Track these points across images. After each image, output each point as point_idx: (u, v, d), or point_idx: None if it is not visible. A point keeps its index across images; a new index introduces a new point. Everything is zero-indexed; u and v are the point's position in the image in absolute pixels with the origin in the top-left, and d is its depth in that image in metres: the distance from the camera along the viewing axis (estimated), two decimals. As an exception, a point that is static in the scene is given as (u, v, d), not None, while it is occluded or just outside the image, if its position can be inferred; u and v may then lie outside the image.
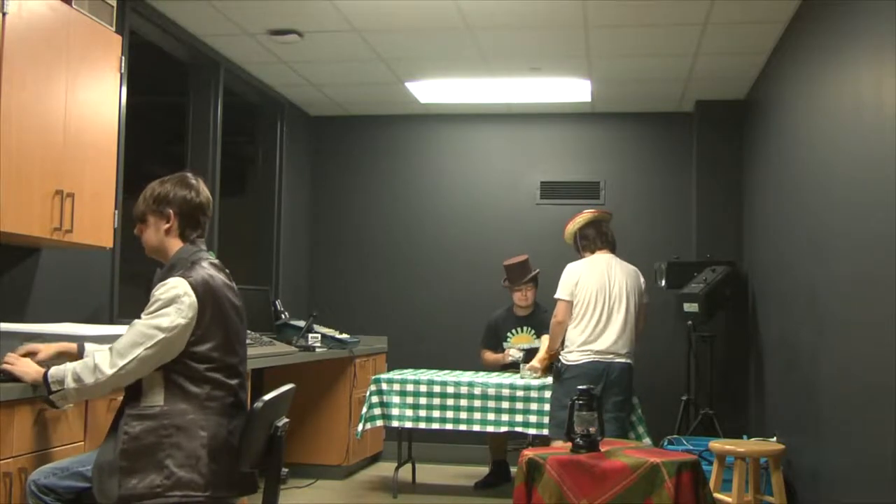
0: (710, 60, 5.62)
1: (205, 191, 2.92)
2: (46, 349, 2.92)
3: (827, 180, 4.01)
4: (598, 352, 4.79)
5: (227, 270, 2.94)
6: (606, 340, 4.80)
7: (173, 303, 2.65)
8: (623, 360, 4.83)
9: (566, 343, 4.91)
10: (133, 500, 2.58)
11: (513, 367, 5.85)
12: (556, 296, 4.98)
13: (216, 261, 2.91)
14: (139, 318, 2.68)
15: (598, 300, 4.86)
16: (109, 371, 2.61)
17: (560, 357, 4.92)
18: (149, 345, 2.61)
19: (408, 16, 4.91)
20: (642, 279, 5.03)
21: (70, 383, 2.64)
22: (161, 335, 2.62)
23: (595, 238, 5.07)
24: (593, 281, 4.90)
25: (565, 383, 4.78)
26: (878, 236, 3.20)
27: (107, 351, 2.65)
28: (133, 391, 2.69)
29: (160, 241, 2.84)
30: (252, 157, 7.11)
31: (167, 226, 2.83)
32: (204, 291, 2.70)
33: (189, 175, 2.91)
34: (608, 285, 4.89)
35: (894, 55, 3.05)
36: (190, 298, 2.66)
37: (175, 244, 2.84)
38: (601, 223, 5.14)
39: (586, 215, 5.19)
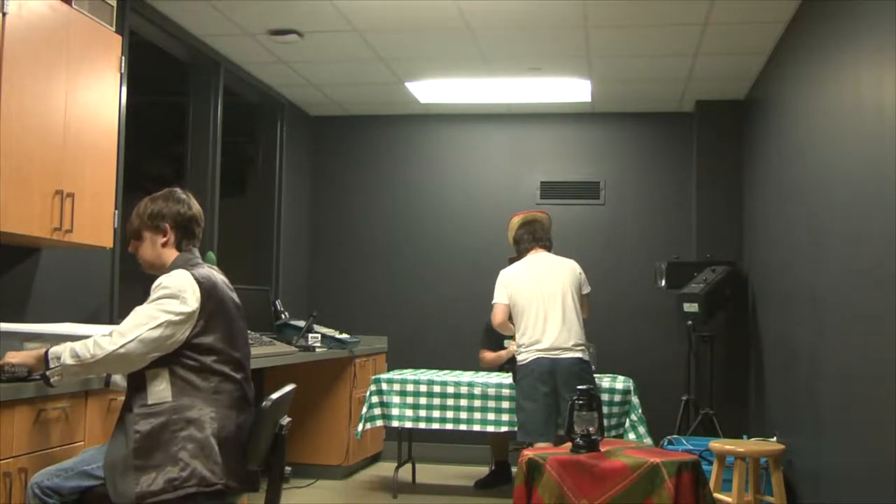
0: (710, 60, 5.62)
1: (196, 204, 2.96)
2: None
3: (827, 180, 4.01)
4: (542, 350, 4.82)
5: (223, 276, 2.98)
6: (549, 338, 4.82)
7: (179, 291, 2.68)
8: (571, 355, 4.81)
9: (516, 347, 4.99)
10: (151, 497, 2.58)
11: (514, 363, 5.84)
12: (492, 301, 5.08)
13: (214, 266, 2.95)
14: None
15: (532, 300, 4.90)
16: (109, 347, 2.61)
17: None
18: (152, 325, 2.63)
19: (408, 16, 4.91)
20: (579, 271, 5.05)
21: (67, 359, 2.64)
22: (165, 317, 2.64)
23: (527, 239, 5.15)
24: (525, 283, 4.97)
25: (519, 385, 4.91)
26: (877, 236, 3.20)
27: (107, 334, 2.67)
28: (138, 389, 2.69)
29: (156, 255, 2.88)
30: (252, 157, 7.10)
31: (164, 239, 2.87)
32: (207, 285, 2.75)
33: (178, 190, 2.95)
34: (541, 284, 4.93)
35: (894, 55, 3.05)
36: (193, 287, 2.71)
37: (171, 254, 2.87)
38: (533, 223, 5.21)
39: (518, 218, 5.29)
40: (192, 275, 2.73)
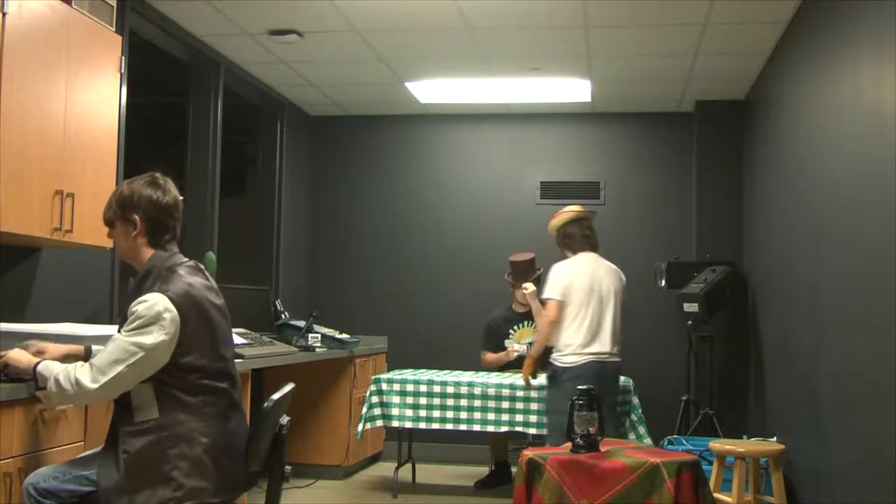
0: (710, 60, 5.61)
1: (172, 191, 2.84)
2: (54, 350, 2.90)
3: (827, 180, 4.01)
4: (595, 353, 4.73)
5: (203, 266, 2.89)
6: (602, 341, 4.76)
7: (156, 320, 2.58)
8: (615, 360, 4.83)
9: (559, 346, 4.82)
10: None
11: (515, 364, 5.84)
12: (545, 295, 4.87)
13: (191, 262, 2.84)
14: (119, 332, 2.64)
15: (590, 301, 4.79)
16: (91, 386, 2.57)
17: (554, 360, 4.83)
18: (130, 361, 2.56)
19: (408, 16, 4.91)
20: (623, 277, 4.99)
21: (52, 387, 2.61)
22: (142, 353, 2.57)
23: (579, 238, 4.98)
24: (584, 282, 4.83)
25: (564, 386, 4.65)
26: (878, 236, 3.20)
27: (87, 366, 2.60)
28: (125, 407, 2.65)
29: (130, 248, 2.80)
30: (252, 157, 7.11)
31: (135, 232, 2.77)
32: (185, 303, 2.64)
33: (157, 175, 2.84)
34: (598, 286, 4.83)
35: (894, 55, 3.05)
36: (171, 314, 2.60)
37: (146, 252, 2.78)
38: (584, 222, 5.05)
39: (569, 214, 5.08)
40: (168, 297, 2.62)
